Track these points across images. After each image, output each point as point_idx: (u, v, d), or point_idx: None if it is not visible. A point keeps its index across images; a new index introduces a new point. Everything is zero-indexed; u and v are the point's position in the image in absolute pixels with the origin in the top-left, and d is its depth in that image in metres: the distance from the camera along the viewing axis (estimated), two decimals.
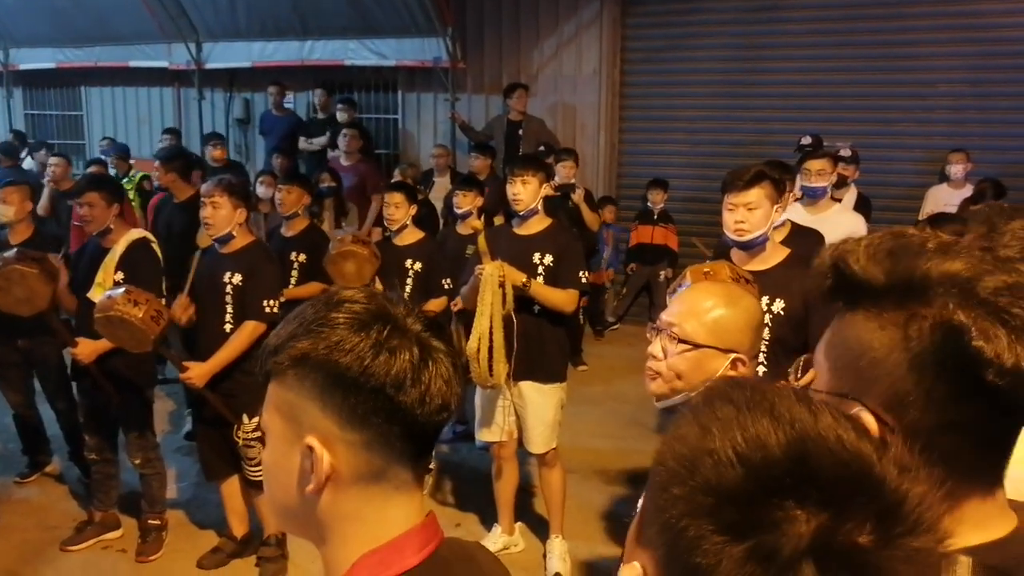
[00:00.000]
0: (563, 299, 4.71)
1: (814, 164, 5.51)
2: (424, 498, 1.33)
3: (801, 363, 1.61)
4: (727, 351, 2.25)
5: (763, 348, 3.64)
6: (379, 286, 5.64)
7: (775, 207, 3.76)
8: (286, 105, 11.14)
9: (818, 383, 1.24)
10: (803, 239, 4.75)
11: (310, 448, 1.21)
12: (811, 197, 5.53)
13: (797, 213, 5.24)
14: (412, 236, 5.81)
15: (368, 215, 9.05)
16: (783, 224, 4.76)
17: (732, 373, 2.25)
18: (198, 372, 4.58)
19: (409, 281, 5.71)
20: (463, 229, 6.35)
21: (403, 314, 1.27)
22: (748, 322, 2.28)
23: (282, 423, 1.25)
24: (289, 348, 1.24)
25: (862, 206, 7.04)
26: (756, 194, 3.72)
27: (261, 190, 7.96)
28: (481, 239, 4.64)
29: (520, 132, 9.85)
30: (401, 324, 1.24)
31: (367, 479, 1.23)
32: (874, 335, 1.15)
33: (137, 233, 5.13)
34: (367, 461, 1.22)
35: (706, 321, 2.29)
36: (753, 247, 3.76)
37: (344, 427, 1.21)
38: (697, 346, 2.27)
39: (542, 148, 9.07)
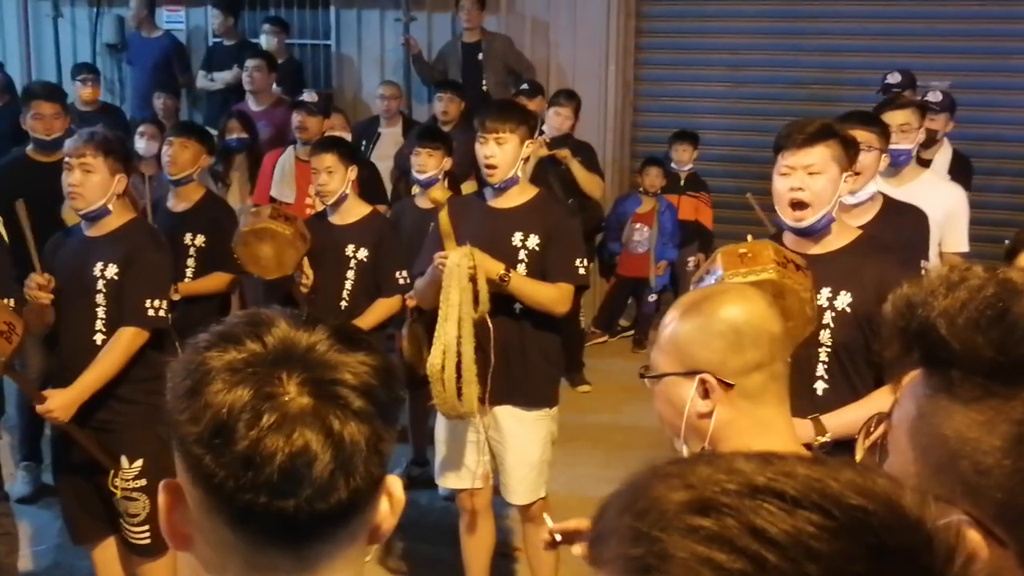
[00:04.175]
0: (552, 296, 4.79)
1: (894, 117, 5.52)
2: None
3: (874, 421, 1.70)
4: (689, 373, 2.37)
5: (824, 358, 3.76)
6: (308, 273, 5.72)
7: (844, 175, 3.83)
8: (165, 24, 11.21)
9: (895, 469, 1.26)
10: (899, 218, 4.82)
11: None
12: (891, 163, 5.45)
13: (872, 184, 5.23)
14: (354, 212, 5.89)
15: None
16: (872, 198, 4.82)
17: (704, 404, 2.35)
18: (60, 402, 4.56)
19: (351, 274, 5.79)
20: (424, 201, 6.36)
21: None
22: (710, 328, 2.36)
23: None
24: None
25: (959, 170, 7.08)
26: (820, 154, 3.77)
27: (142, 144, 7.99)
28: (443, 216, 4.67)
29: (480, 57, 9.89)
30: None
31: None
32: (980, 434, 1.17)
33: None
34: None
35: (662, 342, 2.43)
36: (814, 233, 3.86)
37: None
38: (654, 377, 2.43)
39: (525, 86, 9.06)
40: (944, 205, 5.56)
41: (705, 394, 2.35)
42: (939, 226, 5.49)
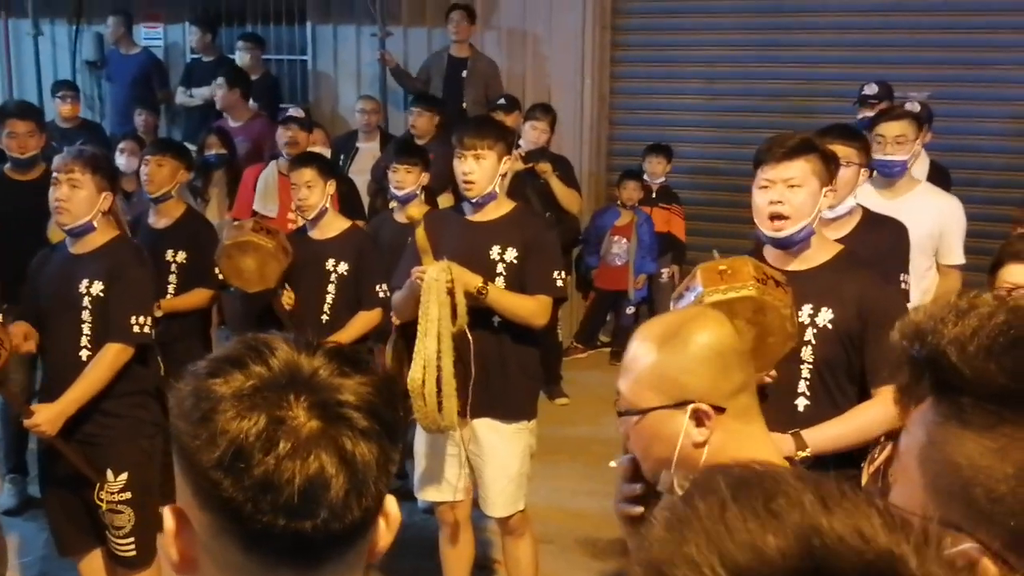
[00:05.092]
0: (531, 309, 4.87)
1: (890, 128, 5.52)
2: None
3: (878, 447, 1.71)
4: (678, 404, 2.34)
5: (805, 374, 3.79)
6: (288, 296, 5.79)
7: (824, 189, 3.84)
8: (143, 41, 11.30)
9: (903, 495, 1.27)
10: (877, 231, 4.83)
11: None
12: (886, 175, 5.53)
13: (866, 196, 5.26)
14: (334, 226, 5.96)
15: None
16: (851, 212, 4.83)
17: (700, 432, 2.33)
18: (47, 416, 4.65)
19: (331, 288, 5.85)
20: (402, 216, 6.36)
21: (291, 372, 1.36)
22: (696, 355, 2.34)
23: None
24: None
25: (937, 181, 6.95)
26: (800, 168, 3.79)
27: (122, 161, 8.03)
28: (420, 232, 4.72)
29: (464, 74, 9.99)
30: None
31: None
32: (992, 462, 1.18)
33: None
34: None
35: (641, 376, 2.38)
36: (793, 245, 3.88)
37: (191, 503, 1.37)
38: (640, 413, 2.37)
39: (503, 101, 9.15)
40: (939, 217, 5.59)
41: (699, 423, 2.34)
42: (934, 239, 5.53)
